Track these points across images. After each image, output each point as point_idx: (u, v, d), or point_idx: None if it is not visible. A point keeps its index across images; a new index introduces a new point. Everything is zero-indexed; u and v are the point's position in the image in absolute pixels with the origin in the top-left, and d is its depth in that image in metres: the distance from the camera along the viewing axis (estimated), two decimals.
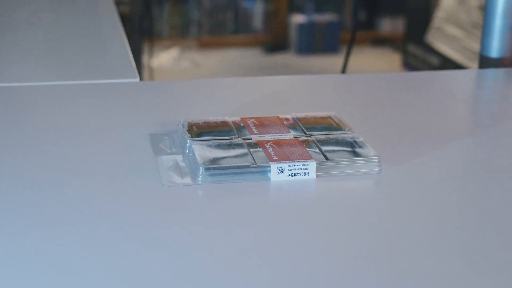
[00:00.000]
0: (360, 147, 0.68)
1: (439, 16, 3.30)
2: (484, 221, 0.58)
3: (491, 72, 1.05)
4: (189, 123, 0.73)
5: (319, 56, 4.23)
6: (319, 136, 0.71)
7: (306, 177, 0.64)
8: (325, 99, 0.92)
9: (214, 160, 0.65)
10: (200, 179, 0.63)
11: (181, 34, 4.31)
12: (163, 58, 3.94)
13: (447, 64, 3.25)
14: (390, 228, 0.56)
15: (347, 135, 0.72)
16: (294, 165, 0.64)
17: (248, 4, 4.40)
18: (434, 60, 3.42)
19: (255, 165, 0.64)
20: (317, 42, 4.29)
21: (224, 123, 0.74)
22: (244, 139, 0.70)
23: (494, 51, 1.07)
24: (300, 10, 4.44)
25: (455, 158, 0.72)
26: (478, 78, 1.05)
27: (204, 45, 4.23)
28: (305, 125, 0.74)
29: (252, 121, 0.74)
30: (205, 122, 0.74)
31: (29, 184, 0.63)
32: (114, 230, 0.55)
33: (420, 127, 0.80)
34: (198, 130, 0.71)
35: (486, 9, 1.06)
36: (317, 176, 0.64)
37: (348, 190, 0.64)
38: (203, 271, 0.49)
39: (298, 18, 4.33)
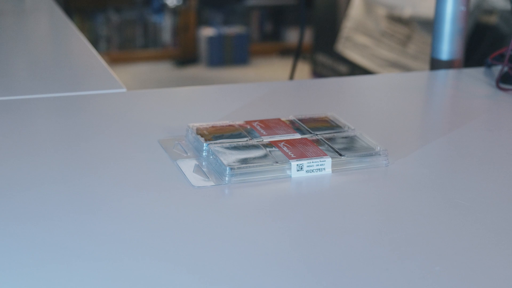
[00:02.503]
0: (365, 143, 0.74)
1: (348, 26, 3.43)
2: (487, 205, 0.64)
3: (442, 73, 1.13)
4: (197, 127, 0.76)
5: (230, 68, 4.30)
6: (326, 135, 0.76)
7: (323, 172, 0.69)
8: (295, 103, 0.97)
9: (238, 161, 0.68)
10: (227, 179, 0.66)
11: None
12: None
13: (357, 71, 3.38)
14: (403, 214, 0.61)
15: (350, 132, 0.77)
16: (312, 162, 0.69)
17: (157, 18, 4.41)
18: (343, 69, 3.55)
19: (277, 164, 0.68)
20: (227, 54, 4.36)
21: (231, 127, 0.77)
22: (257, 141, 0.73)
23: (444, 54, 1.15)
24: (209, 23, 4.49)
25: (448, 149, 0.79)
26: (433, 78, 1.13)
27: (114, 61, 4.21)
28: (308, 125, 0.78)
29: (257, 124, 0.78)
30: (212, 127, 0.77)
31: (63, 196, 0.64)
32: (161, 233, 0.57)
33: (403, 123, 0.87)
34: (210, 134, 0.74)
35: (435, 14, 1.15)
36: (332, 171, 0.69)
37: (363, 182, 0.69)
38: (247, 260, 0.53)
39: (207, 31, 4.38)
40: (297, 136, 0.75)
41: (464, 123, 0.87)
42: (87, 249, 0.54)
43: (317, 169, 0.69)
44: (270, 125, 0.78)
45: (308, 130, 0.77)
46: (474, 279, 0.51)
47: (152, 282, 0.50)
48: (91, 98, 0.91)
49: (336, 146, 0.72)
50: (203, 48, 4.36)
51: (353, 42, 3.39)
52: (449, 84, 1.10)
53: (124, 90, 0.93)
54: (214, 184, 0.66)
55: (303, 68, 4.15)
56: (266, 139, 0.74)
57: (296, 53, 1.43)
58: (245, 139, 0.74)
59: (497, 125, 0.88)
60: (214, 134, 0.75)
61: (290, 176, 0.68)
